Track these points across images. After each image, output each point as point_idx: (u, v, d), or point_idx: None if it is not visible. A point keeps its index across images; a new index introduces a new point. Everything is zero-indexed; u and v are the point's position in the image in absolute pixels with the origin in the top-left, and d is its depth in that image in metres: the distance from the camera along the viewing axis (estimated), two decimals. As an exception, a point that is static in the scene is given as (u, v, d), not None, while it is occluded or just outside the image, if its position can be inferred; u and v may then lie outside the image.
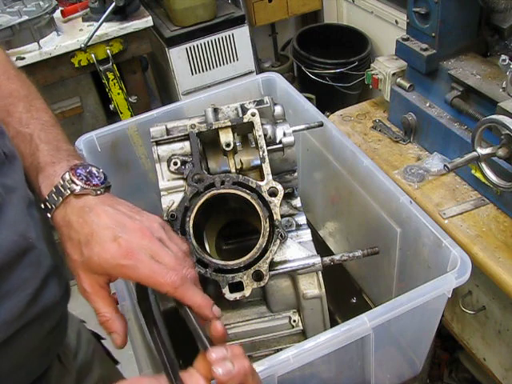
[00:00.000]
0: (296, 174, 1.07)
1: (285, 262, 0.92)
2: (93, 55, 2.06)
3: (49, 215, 0.76)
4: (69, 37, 2.03)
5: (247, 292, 0.86)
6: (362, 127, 1.67)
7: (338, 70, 2.75)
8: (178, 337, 1.24)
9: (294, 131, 1.05)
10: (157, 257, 0.70)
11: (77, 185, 0.75)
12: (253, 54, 2.69)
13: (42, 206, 0.77)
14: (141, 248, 0.70)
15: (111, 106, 2.22)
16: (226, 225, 1.06)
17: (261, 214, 0.89)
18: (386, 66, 1.59)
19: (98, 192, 0.76)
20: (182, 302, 0.71)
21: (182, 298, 0.71)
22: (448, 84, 1.39)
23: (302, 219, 1.03)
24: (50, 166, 0.80)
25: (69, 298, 0.87)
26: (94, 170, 0.80)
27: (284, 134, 1.03)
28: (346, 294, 1.37)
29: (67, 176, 0.76)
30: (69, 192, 0.74)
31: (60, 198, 0.75)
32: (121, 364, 1.21)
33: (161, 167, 1.00)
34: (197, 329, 0.69)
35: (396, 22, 2.54)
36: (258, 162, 0.98)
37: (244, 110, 1.03)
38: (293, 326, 1.01)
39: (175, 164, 0.98)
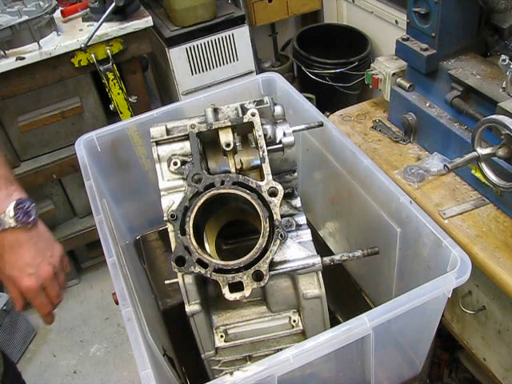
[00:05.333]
0: (296, 174, 1.07)
1: (285, 262, 0.91)
2: (93, 55, 2.06)
3: None
4: (69, 37, 2.03)
5: (247, 292, 0.86)
6: (362, 127, 1.67)
7: (338, 70, 2.75)
8: (177, 336, 1.24)
9: (293, 131, 1.05)
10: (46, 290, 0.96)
11: (16, 221, 0.90)
12: (253, 54, 2.69)
13: None
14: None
15: (111, 106, 2.22)
16: (226, 225, 1.05)
17: (261, 214, 0.89)
18: (386, 66, 1.59)
19: (29, 226, 0.92)
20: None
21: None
22: (448, 84, 1.39)
23: (302, 219, 1.03)
24: None
25: None
26: (30, 205, 0.92)
27: (284, 134, 1.03)
28: (346, 294, 1.37)
29: (9, 212, 0.90)
30: (6, 227, 0.90)
31: None
32: (120, 364, 1.21)
33: (161, 167, 1.00)
34: None
35: (396, 21, 2.54)
36: (258, 162, 0.98)
37: (244, 110, 1.03)
38: (293, 326, 1.00)
39: (175, 164, 0.98)
